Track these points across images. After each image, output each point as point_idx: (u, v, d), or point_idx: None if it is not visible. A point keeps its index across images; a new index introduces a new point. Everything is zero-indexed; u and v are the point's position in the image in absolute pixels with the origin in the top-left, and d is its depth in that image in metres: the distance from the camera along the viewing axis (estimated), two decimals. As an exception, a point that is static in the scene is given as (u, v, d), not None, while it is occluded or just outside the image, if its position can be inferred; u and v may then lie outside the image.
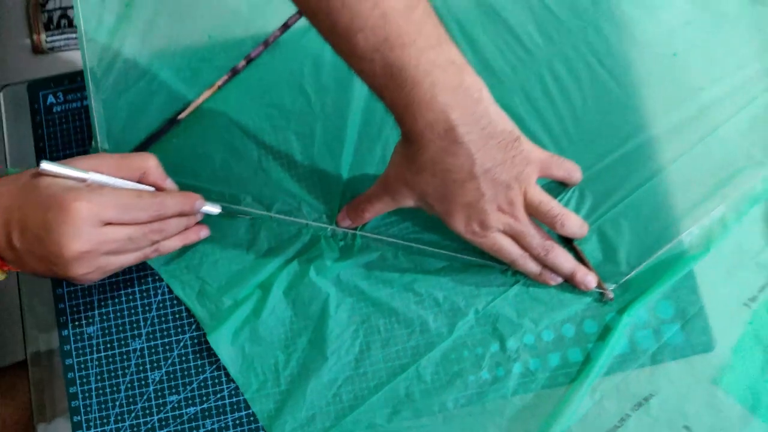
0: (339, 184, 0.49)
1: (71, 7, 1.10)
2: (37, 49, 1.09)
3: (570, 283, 0.46)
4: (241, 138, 0.50)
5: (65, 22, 1.10)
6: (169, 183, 0.44)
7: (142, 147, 0.49)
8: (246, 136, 0.50)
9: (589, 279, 0.46)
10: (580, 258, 0.47)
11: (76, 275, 0.39)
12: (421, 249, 0.48)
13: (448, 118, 0.38)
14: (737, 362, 0.46)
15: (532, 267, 0.46)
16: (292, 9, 0.47)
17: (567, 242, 0.47)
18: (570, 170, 0.46)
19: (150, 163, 0.42)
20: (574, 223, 0.45)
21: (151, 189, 0.43)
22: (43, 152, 0.50)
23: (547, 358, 0.46)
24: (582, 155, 0.48)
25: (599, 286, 0.46)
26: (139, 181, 0.42)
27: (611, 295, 0.46)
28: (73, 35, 1.08)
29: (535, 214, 0.44)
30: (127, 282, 0.49)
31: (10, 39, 1.10)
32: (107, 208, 0.38)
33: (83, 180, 0.39)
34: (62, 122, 0.51)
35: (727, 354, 0.46)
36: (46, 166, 0.38)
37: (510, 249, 0.45)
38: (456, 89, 0.38)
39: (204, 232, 0.46)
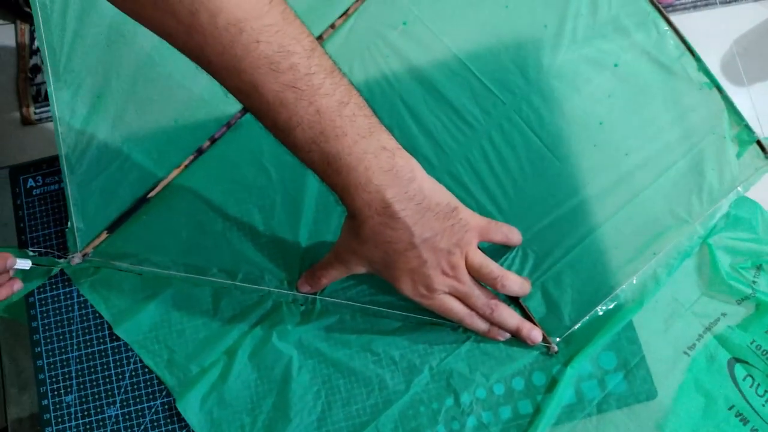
0: (298, 252, 0.52)
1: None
2: (26, 121, 1.14)
3: (517, 339, 0.49)
4: (207, 212, 0.53)
5: (53, 94, 1.15)
6: None
7: (115, 225, 0.52)
8: (211, 211, 0.53)
9: (534, 334, 0.49)
10: (525, 314, 0.50)
11: None
12: (377, 310, 0.51)
13: (383, 197, 0.41)
14: (679, 408, 0.48)
15: (480, 324, 0.49)
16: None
17: (513, 300, 0.50)
18: (507, 234, 0.49)
19: None
20: (514, 283, 0.48)
21: None
22: (23, 232, 0.54)
23: (499, 411, 0.49)
24: (522, 218, 0.51)
25: (544, 339, 0.49)
26: None
27: (556, 348, 0.49)
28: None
29: (477, 276, 0.47)
30: (101, 352, 0.51)
31: (0, 112, 1.15)
32: None
33: None
34: (41, 204, 0.55)
35: (670, 401, 0.49)
36: None
37: (457, 309, 0.48)
38: (388, 171, 0.41)
39: (17, 286, 0.49)
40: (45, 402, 0.51)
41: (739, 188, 0.51)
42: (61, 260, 0.52)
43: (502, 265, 0.50)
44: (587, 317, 0.50)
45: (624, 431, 0.48)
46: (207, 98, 0.54)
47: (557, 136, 0.53)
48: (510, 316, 0.48)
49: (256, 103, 0.39)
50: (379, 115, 0.43)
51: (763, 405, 0.48)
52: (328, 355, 0.50)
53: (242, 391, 0.49)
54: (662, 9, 0.54)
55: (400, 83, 0.54)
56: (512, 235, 0.49)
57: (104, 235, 0.52)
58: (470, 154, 0.53)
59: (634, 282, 0.50)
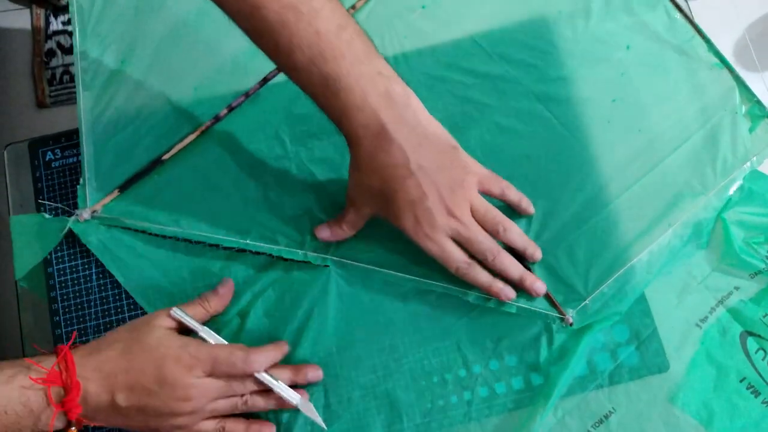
0: (310, 218, 0.52)
1: (73, 64, 1.17)
2: (41, 104, 1.15)
3: (520, 289, 0.49)
4: (221, 177, 0.53)
5: (67, 77, 1.16)
6: None
7: (128, 184, 0.53)
8: (225, 175, 0.53)
9: (538, 285, 0.48)
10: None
11: (183, 421, 0.43)
12: (389, 275, 0.50)
13: (378, 118, 0.42)
14: (691, 381, 0.49)
15: (482, 276, 0.47)
16: (270, 66, 0.52)
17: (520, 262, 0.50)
18: (504, 189, 0.49)
19: None
20: (515, 231, 0.48)
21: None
22: (42, 205, 0.55)
23: (511, 382, 0.49)
24: (537, 192, 0.51)
25: (558, 311, 0.49)
26: None
27: (570, 319, 0.50)
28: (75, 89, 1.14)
29: (481, 222, 0.47)
30: (119, 322, 0.52)
31: (15, 94, 1.16)
32: (206, 363, 0.43)
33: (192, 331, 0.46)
34: (59, 176, 0.55)
35: (682, 373, 0.49)
36: (175, 312, 0.46)
37: (456, 255, 0.46)
38: (384, 95, 0.42)
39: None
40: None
41: (753, 159, 0.51)
42: (71, 218, 0.52)
43: (516, 236, 0.50)
44: (601, 289, 0.50)
45: (636, 402, 0.48)
46: (228, 71, 0.55)
47: (572, 114, 0.53)
48: (512, 264, 0.48)
49: (258, 24, 0.41)
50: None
51: (775, 378, 0.48)
52: (339, 318, 0.50)
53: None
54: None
55: (418, 64, 0.55)
56: (522, 201, 0.50)
57: (115, 193, 0.53)
58: (485, 132, 0.53)
59: (648, 254, 0.50)
